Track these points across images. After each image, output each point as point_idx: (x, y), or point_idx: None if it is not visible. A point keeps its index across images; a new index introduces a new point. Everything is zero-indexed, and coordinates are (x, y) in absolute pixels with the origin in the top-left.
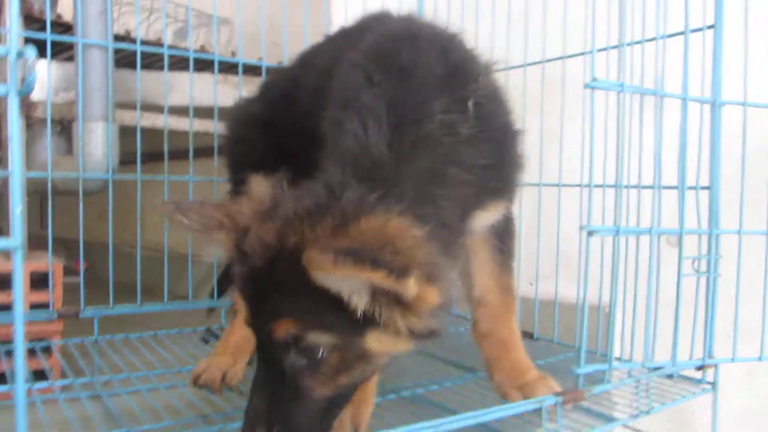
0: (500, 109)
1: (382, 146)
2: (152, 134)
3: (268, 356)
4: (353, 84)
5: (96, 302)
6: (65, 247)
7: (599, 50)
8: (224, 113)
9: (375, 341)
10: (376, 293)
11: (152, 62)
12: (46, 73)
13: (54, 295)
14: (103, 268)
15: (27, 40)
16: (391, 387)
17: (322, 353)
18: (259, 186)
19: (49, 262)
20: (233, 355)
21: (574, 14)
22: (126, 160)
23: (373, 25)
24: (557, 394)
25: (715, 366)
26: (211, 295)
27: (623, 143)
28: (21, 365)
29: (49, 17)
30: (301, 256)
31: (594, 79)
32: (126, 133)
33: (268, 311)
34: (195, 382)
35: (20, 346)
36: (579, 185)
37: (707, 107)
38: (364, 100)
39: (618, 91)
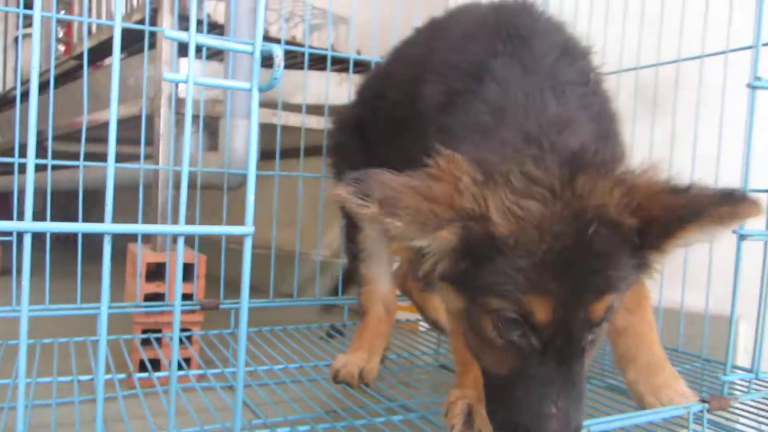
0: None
1: (555, 106)
2: (284, 131)
3: (568, 346)
4: (474, 55)
5: (212, 296)
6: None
7: (765, 45)
8: None
9: None
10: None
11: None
12: (199, 71)
13: (198, 286)
14: (212, 264)
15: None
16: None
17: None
18: None
19: (195, 255)
20: (369, 352)
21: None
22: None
23: (465, 10)
24: (704, 401)
25: None
26: (335, 293)
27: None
28: (176, 354)
29: (206, 19)
30: (615, 222)
31: (757, 78)
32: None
33: (586, 291)
34: (335, 377)
35: (176, 337)
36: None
37: None
38: (495, 67)
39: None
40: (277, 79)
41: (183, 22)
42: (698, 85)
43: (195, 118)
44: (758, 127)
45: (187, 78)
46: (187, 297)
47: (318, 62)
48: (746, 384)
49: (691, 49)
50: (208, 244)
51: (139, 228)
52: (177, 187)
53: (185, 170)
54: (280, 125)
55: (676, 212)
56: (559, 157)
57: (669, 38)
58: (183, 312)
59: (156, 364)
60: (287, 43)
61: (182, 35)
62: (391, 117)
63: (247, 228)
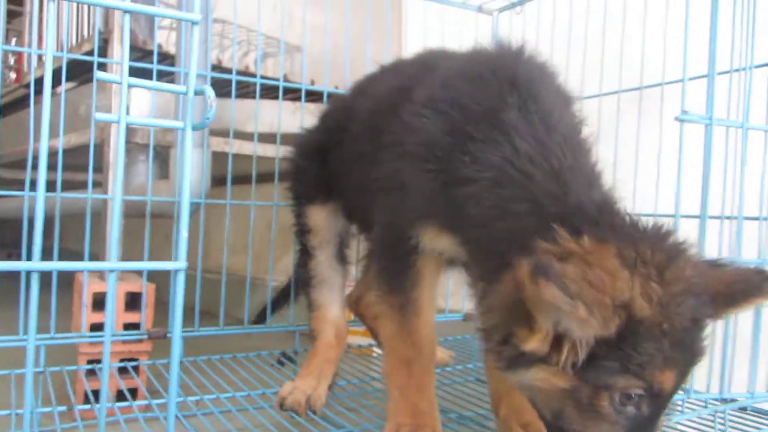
0: None
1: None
2: (237, 159)
3: (662, 412)
4: (485, 100)
5: (161, 324)
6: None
7: (690, 79)
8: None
9: None
10: None
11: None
12: (142, 101)
13: (145, 316)
14: (166, 291)
15: (132, 69)
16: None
17: None
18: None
19: (144, 284)
20: (317, 378)
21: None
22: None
23: (439, 57)
24: None
25: None
26: (262, 319)
27: (709, 175)
28: (105, 385)
29: (156, 48)
30: (702, 297)
31: (684, 112)
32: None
33: (693, 360)
34: (281, 405)
35: (106, 367)
36: (655, 215)
37: None
38: (512, 121)
39: (707, 124)
40: (210, 118)
41: (135, 52)
42: (638, 116)
43: (145, 146)
44: (689, 157)
45: (119, 118)
46: (134, 326)
47: (272, 91)
48: (679, 404)
49: (631, 82)
50: (162, 272)
51: (61, 265)
52: (127, 216)
53: (117, 201)
54: (232, 153)
55: (735, 287)
56: (650, 239)
57: (610, 70)
58: (129, 341)
59: (132, 393)
60: (239, 72)
61: (115, 77)
62: (354, 150)
63: (179, 263)
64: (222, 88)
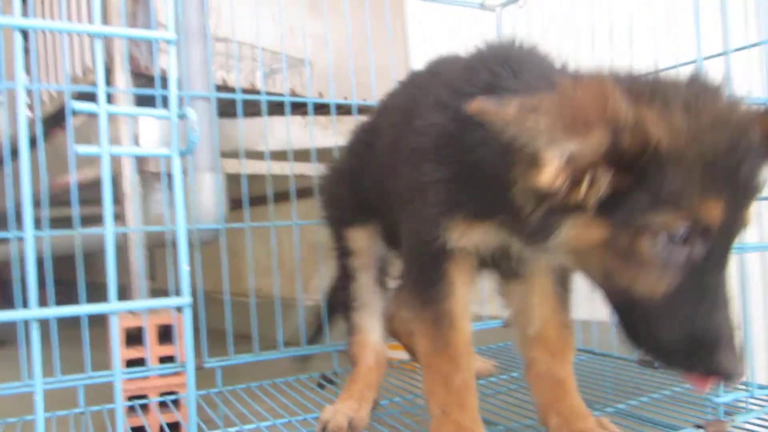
0: None
1: None
2: (251, 180)
3: (725, 253)
4: (481, 80)
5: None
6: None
7: (705, 58)
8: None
9: None
10: None
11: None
12: (151, 128)
13: (179, 347)
14: (208, 318)
15: (136, 96)
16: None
17: None
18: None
19: (174, 315)
20: (359, 401)
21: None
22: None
23: (445, 62)
24: (698, 426)
25: None
26: (310, 341)
27: None
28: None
29: (157, 73)
30: (750, 134)
31: None
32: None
33: (745, 194)
34: (324, 429)
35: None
36: None
37: None
38: (506, 85)
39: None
40: (194, 142)
41: (139, 79)
42: None
43: (158, 175)
44: None
45: (101, 151)
46: (169, 359)
47: (283, 107)
48: (744, 403)
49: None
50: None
51: (59, 311)
52: (148, 247)
53: (110, 239)
54: (246, 174)
55: None
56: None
57: (620, 61)
58: (166, 375)
59: (174, 427)
60: (245, 91)
61: (93, 107)
62: (379, 168)
63: (183, 299)
64: (231, 108)
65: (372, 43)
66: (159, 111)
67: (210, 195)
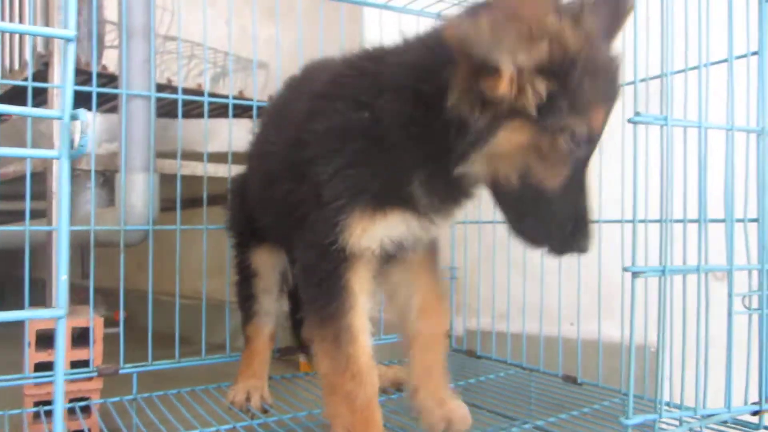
0: None
1: None
2: (191, 181)
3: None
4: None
5: (137, 352)
6: (106, 296)
7: (642, 80)
8: None
9: None
10: None
11: (189, 110)
12: (91, 125)
13: (94, 352)
14: (143, 318)
15: (77, 93)
16: None
17: None
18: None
19: (90, 318)
20: (260, 378)
21: None
22: (165, 207)
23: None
24: None
25: None
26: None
27: (669, 178)
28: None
29: (95, 70)
30: None
31: (637, 114)
32: (164, 180)
33: (615, 99)
34: (241, 407)
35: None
36: (620, 221)
37: (753, 137)
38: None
39: (662, 125)
40: (84, 146)
41: (80, 75)
42: None
43: (89, 172)
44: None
45: None
46: (83, 363)
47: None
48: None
49: None
50: (137, 298)
51: None
52: (77, 246)
53: (64, 241)
54: (181, 175)
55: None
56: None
57: None
58: (79, 380)
59: None
60: (190, 92)
61: None
62: (266, 171)
63: (59, 311)
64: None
65: (327, 49)
66: (50, 111)
67: (141, 195)
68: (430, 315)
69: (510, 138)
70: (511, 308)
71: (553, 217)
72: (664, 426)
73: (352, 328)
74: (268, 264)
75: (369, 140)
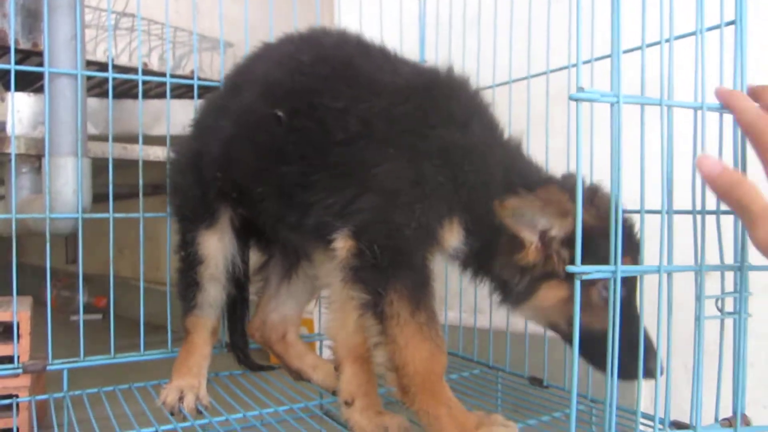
0: None
1: None
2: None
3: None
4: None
5: (120, 341)
6: (87, 282)
7: (585, 62)
8: None
9: None
10: None
11: (147, 89)
12: (21, 106)
13: (20, 347)
14: (122, 305)
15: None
16: None
17: None
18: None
19: (14, 312)
20: (197, 376)
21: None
22: (125, 194)
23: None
24: None
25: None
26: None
27: (619, 162)
28: None
29: (13, 47)
30: None
31: (580, 89)
32: (120, 165)
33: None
34: (172, 409)
35: None
36: None
37: (728, 117)
38: None
39: (612, 102)
40: None
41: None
42: (527, 103)
43: (27, 157)
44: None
45: None
46: (8, 359)
47: (187, 91)
48: None
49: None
50: (118, 285)
51: None
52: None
53: None
54: (124, 160)
55: None
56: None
57: (538, 53)
58: (5, 377)
59: None
60: (125, 70)
61: None
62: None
63: None
64: (131, 89)
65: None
66: None
67: (69, 181)
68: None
69: (549, 295)
70: (479, 303)
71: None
72: None
73: (434, 311)
74: (219, 248)
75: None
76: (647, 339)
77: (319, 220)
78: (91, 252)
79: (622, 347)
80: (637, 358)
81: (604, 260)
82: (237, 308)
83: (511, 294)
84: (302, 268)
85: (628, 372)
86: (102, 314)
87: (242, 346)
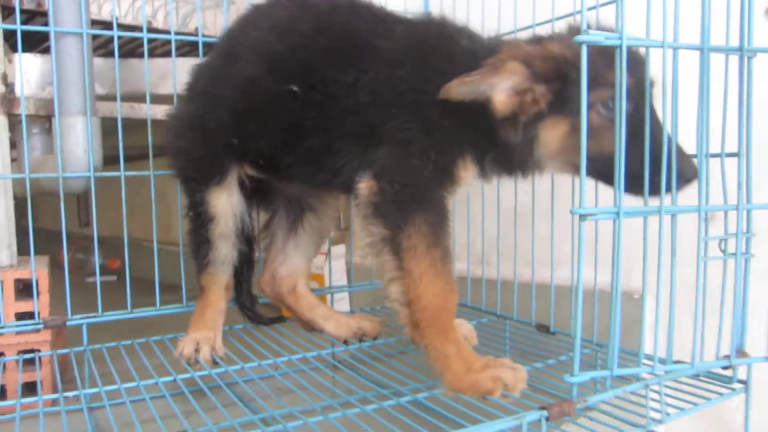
0: None
1: None
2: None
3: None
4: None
5: (138, 299)
6: (101, 244)
7: (590, 8)
8: None
9: None
10: None
11: (153, 48)
12: (29, 67)
13: (40, 303)
14: (137, 266)
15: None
16: (390, 391)
17: None
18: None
19: (33, 269)
20: (212, 329)
21: None
22: (137, 155)
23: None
24: (542, 408)
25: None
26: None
27: (622, 105)
28: None
29: (18, 7)
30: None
31: (584, 32)
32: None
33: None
34: (188, 359)
35: None
36: None
37: (733, 58)
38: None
39: (616, 44)
40: None
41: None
42: None
43: (37, 118)
44: None
45: None
46: (29, 315)
47: (185, 48)
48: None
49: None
50: (131, 246)
51: None
52: (23, 195)
53: None
54: (132, 120)
55: None
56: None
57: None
58: (26, 332)
59: (33, 387)
60: (128, 28)
61: None
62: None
63: None
64: (136, 49)
65: None
66: None
67: (80, 141)
68: None
69: (549, 136)
70: (486, 253)
71: (640, 166)
72: (624, 381)
73: (450, 250)
74: (228, 206)
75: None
76: (674, 146)
77: (349, 178)
78: (104, 215)
79: (642, 163)
80: (660, 170)
81: (595, 84)
82: (243, 268)
83: (521, 153)
84: (307, 220)
85: (655, 186)
86: (117, 276)
87: (249, 305)
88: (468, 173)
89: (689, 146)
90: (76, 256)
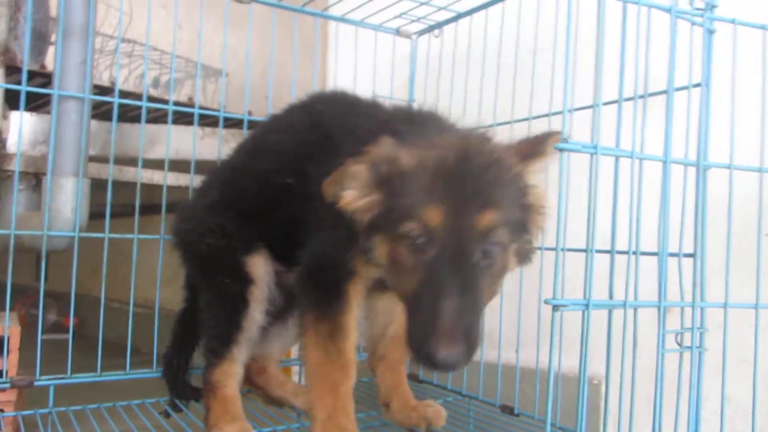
0: None
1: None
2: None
3: (460, 255)
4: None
5: (86, 361)
6: (57, 301)
7: (572, 110)
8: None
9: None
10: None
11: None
12: (24, 126)
13: (9, 362)
14: (94, 324)
15: (7, 92)
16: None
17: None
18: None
19: (6, 326)
20: (241, 419)
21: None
22: (120, 213)
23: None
24: None
25: None
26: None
27: (594, 207)
28: None
29: (25, 68)
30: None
31: (564, 140)
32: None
33: (470, 204)
34: None
35: None
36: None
37: (691, 170)
38: None
39: (591, 153)
40: None
41: (18, 74)
42: None
43: (24, 174)
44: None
45: None
46: None
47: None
48: None
49: (541, 107)
50: (90, 304)
51: None
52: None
53: None
54: (122, 181)
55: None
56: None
57: (521, 95)
58: None
59: None
60: (128, 95)
61: None
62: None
63: None
64: (125, 113)
65: (289, 60)
66: None
67: (69, 201)
68: (399, 342)
69: (378, 250)
70: None
71: (414, 324)
72: None
73: (345, 327)
74: (266, 271)
75: None
76: (450, 315)
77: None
78: (63, 270)
79: (420, 319)
80: (424, 326)
81: (408, 213)
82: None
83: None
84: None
85: (412, 338)
86: (67, 333)
87: (182, 372)
88: (369, 270)
89: (651, 246)
90: (30, 311)
